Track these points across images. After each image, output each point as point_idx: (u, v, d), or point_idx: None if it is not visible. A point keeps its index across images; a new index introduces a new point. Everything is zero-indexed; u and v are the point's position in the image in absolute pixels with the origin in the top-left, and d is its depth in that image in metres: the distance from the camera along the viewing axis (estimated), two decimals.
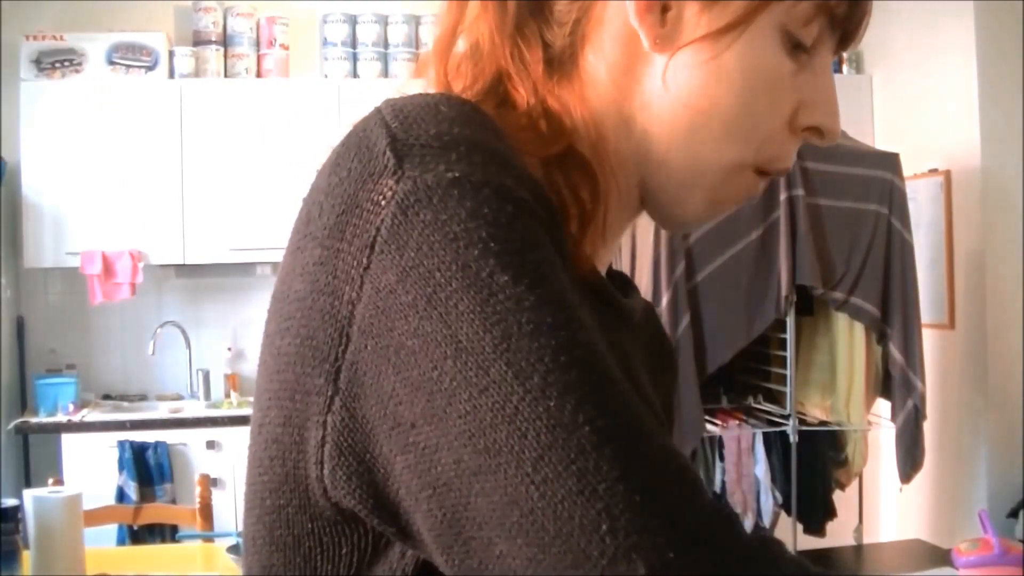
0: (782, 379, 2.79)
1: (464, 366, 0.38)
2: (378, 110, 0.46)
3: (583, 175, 0.51)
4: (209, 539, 2.15)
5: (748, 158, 0.53)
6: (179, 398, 3.77)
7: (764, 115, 0.52)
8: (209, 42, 3.76)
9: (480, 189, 0.41)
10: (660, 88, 0.51)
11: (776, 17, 0.50)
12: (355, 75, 3.86)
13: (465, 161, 0.42)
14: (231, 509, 3.07)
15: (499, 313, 0.39)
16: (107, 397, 3.72)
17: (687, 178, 0.54)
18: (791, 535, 2.77)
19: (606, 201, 0.52)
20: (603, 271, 0.58)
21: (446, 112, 0.45)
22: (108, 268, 3.52)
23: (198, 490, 2.24)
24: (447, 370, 0.39)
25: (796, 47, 0.51)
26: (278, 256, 0.49)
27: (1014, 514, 3.00)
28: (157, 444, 3.29)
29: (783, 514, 2.87)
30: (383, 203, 0.41)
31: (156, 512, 2.50)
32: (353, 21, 3.86)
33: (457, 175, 0.41)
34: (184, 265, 3.67)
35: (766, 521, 2.83)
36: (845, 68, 3.94)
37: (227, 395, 3.71)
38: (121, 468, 3.24)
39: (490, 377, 0.38)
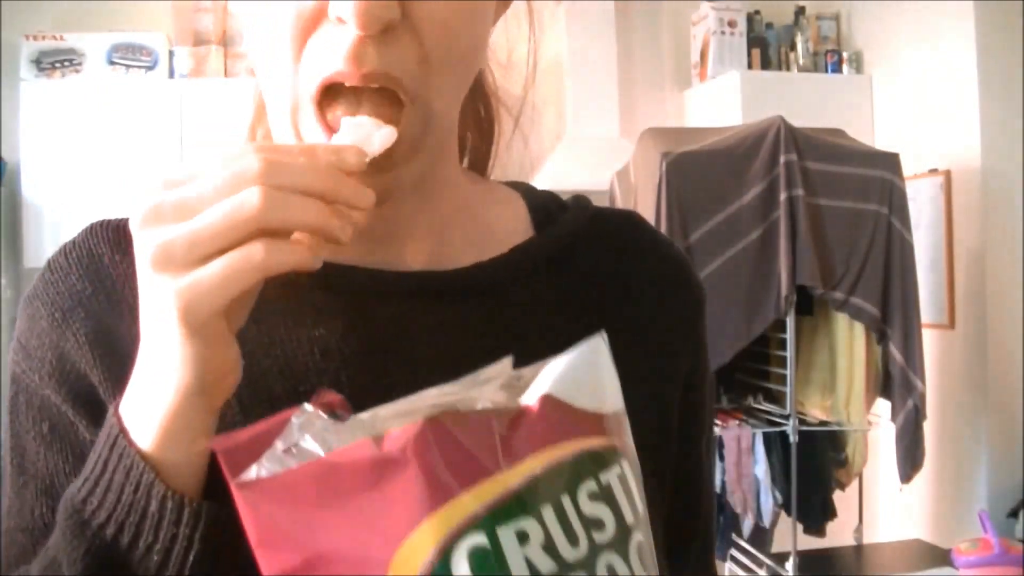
0: (782, 379, 2.79)
1: None
2: None
3: None
4: None
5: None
6: None
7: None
8: (209, 42, 3.77)
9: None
10: None
11: None
12: None
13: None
14: None
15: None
16: None
17: None
18: (791, 535, 2.77)
19: None
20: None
21: None
22: None
23: None
24: None
25: None
26: None
27: (1014, 514, 3.00)
28: None
29: (783, 514, 2.87)
30: None
31: None
32: None
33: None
34: None
35: (766, 521, 2.83)
36: (845, 68, 3.94)
37: None
38: None
39: None
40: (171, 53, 3.73)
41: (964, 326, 3.29)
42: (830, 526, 2.98)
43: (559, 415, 0.41)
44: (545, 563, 0.37)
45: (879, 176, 2.72)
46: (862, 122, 3.73)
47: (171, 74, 3.71)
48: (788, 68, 4.00)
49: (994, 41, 3.22)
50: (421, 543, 0.36)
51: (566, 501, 0.39)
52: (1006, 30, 3.20)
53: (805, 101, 3.64)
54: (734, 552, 2.90)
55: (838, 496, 3.01)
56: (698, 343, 0.66)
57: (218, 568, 0.44)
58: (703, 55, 3.94)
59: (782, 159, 2.64)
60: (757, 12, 4.02)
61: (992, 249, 3.20)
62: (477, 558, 0.36)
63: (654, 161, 2.69)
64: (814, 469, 2.92)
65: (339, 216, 0.43)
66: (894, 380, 2.74)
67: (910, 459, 2.74)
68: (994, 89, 3.21)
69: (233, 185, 0.41)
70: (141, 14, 3.78)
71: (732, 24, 3.88)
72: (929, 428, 2.82)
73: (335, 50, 0.46)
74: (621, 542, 0.40)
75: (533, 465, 0.39)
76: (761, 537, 2.89)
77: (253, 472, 0.37)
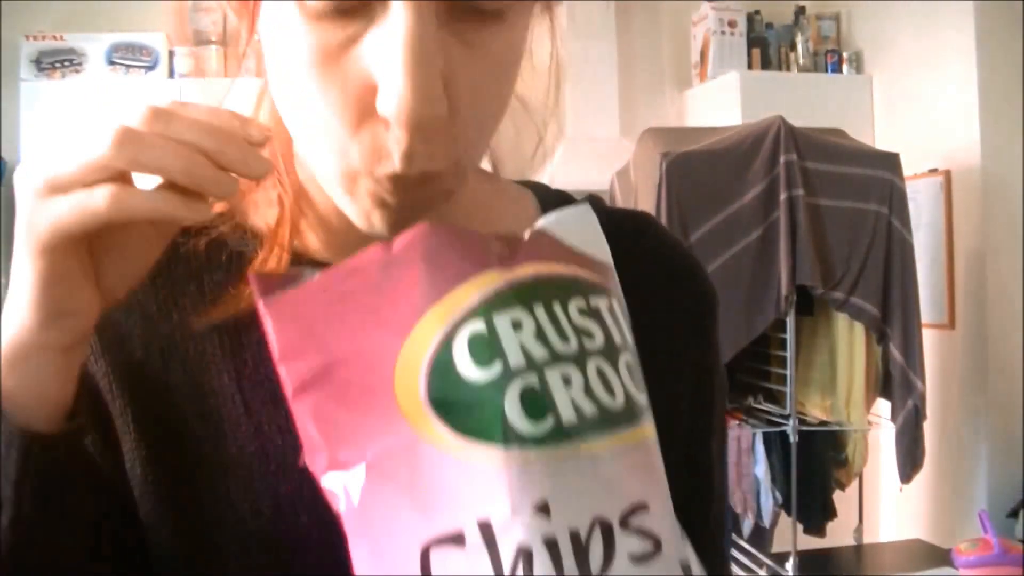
0: (782, 379, 2.79)
1: None
2: None
3: None
4: None
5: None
6: None
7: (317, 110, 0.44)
8: (209, 42, 3.76)
9: None
10: None
11: None
12: None
13: None
14: None
15: None
16: None
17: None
18: (791, 535, 2.77)
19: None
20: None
21: None
22: None
23: None
24: None
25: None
26: None
27: (1014, 514, 2.99)
28: None
29: (783, 514, 2.87)
30: None
31: None
32: None
33: None
34: None
35: (766, 521, 2.83)
36: (845, 68, 3.94)
37: None
38: None
39: None
40: (171, 53, 3.73)
41: (964, 326, 3.29)
42: (830, 526, 2.98)
43: (551, 244, 0.43)
44: (538, 350, 0.39)
45: (879, 176, 2.72)
46: (862, 122, 3.73)
47: (171, 74, 3.71)
48: (788, 68, 4.00)
49: (994, 41, 3.22)
50: (426, 333, 0.38)
51: (557, 307, 0.40)
52: (1006, 30, 3.19)
53: (805, 101, 3.64)
54: (734, 552, 2.90)
55: (838, 496, 3.01)
56: (708, 343, 0.65)
57: (67, 518, 0.45)
58: (703, 55, 3.94)
59: (782, 159, 2.64)
60: (757, 12, 4.02)
61: (992, 249, 3.20)
62: (475, 342, 0.38)
63: (654, 161, 2.69)
64: (814, 469, 2.92)
65: (220, 174, 0.42)
66: (894, 380, 2.74)
67: (910, 459, 2.74)
68: (994, 89, 3.21)
69: (107, 131, 0.43)
70: (141, 14, 3.78)
71: (732, 24, 3.88)
72: (929, 428, 2.82)
73: (386, 149, 0.43)
74: (610, 356, 0.41)
75: (526, 270, 0.41)
76: (761, 537, 2.89)
77: (277, 292, 0.40)
